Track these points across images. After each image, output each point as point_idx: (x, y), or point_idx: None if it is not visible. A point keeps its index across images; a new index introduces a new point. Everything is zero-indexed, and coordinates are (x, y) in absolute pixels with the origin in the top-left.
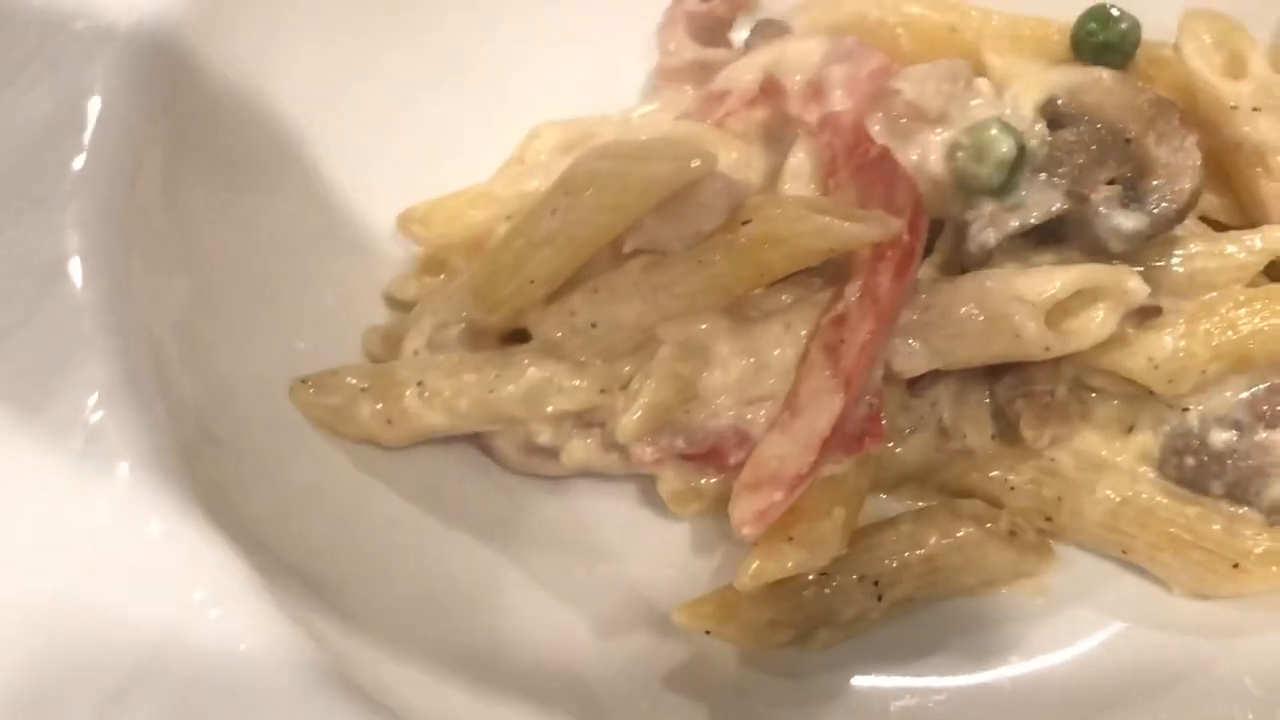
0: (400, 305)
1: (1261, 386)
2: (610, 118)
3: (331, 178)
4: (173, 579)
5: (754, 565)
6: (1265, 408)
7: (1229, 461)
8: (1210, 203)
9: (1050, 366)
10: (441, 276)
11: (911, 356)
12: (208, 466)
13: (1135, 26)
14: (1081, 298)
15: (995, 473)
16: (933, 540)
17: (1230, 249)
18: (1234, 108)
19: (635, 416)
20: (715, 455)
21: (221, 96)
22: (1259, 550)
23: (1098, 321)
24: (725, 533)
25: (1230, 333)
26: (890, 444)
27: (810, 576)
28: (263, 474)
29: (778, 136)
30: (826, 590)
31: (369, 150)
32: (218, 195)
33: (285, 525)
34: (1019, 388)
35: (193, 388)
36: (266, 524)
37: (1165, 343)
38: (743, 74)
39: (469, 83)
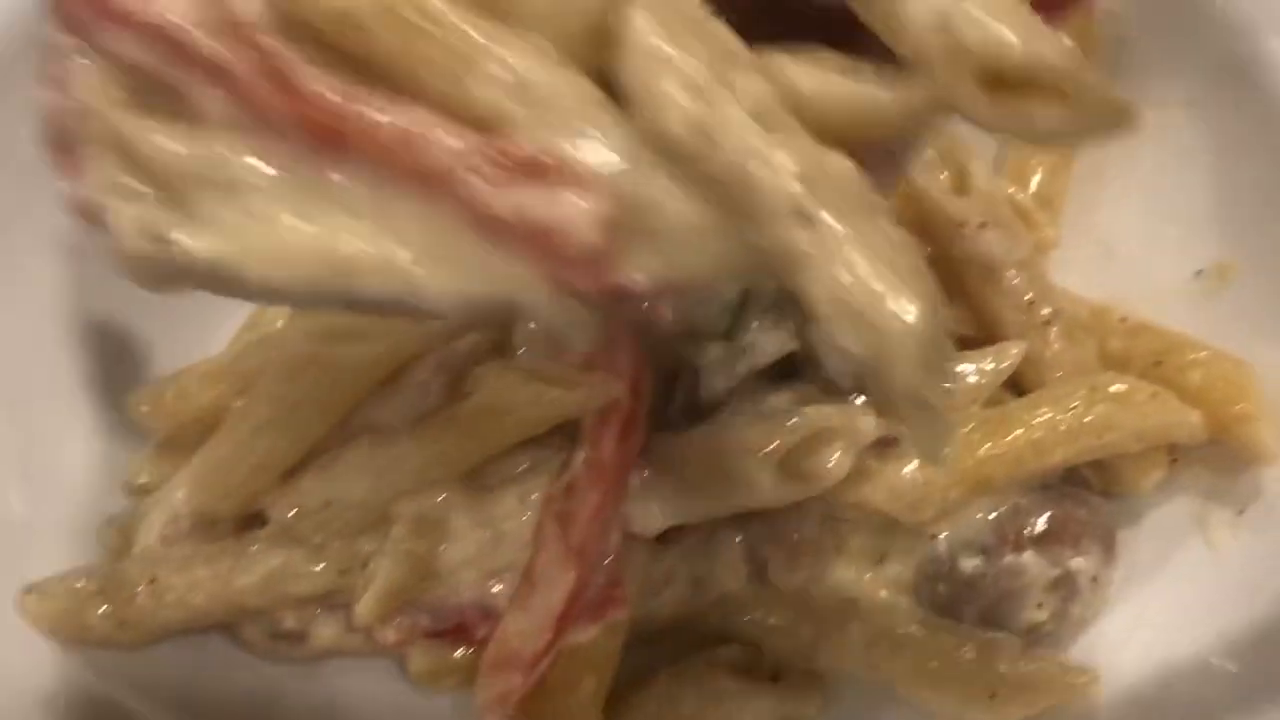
0: (140, 491)
1: (1005, 509)
2: None
3: (57, 360)
4: None
5: None
6: (1009, 530)
7: (979, 587)
8: (949, 315)
9: (795, 507)
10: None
11: (649, 517)
12: None
13: None
14: (817, 438)
15: (753, 616)
16: (690, 698)
17: (964, 369)
18: (961, 225)
19: (371, 600)
20: (461, 631)
21: None
22: (1013, 677)
23: (833, 463)
24: None
25: (966, 457)
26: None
27: None
28: None
29: None
30: None
31: (100, 327)
32: None
33: None
34: (766, 531)
35: None
36: None
37: (905, 472)
38: None
39: None
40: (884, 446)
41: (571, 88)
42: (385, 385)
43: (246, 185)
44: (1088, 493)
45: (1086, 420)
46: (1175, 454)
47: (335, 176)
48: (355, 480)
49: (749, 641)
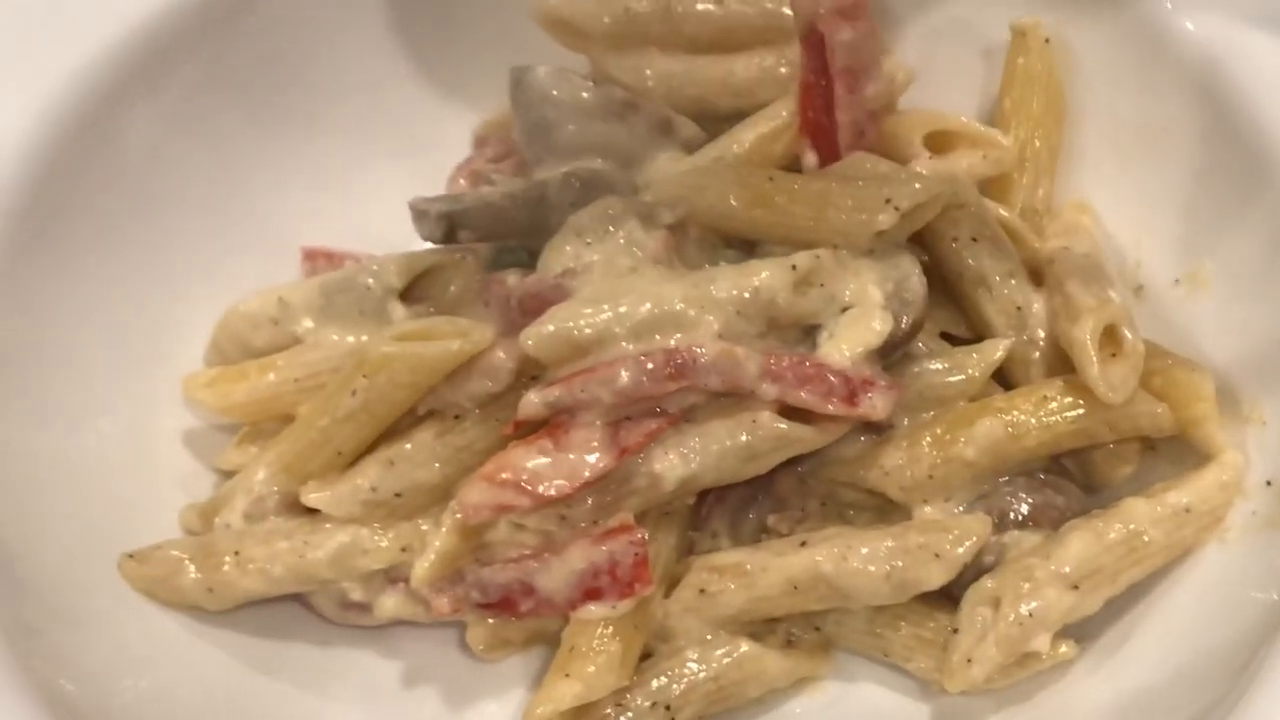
0: (228, 475)
1: (989, 492)
2: None
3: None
4: None
5: (537, 708)
6: (993, 511)
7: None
8: (941, 317)
9: (797, 484)
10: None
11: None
12: (39, 647)
13: None
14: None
15: None
16: (715, 659)
17: (954, 367)
18: (954, 240)
19: (426, 565)
20: (506, 605)
21: None
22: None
23: None
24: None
25: (950, 441)
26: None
27: (608, 710)
28: (95, 648)
29: None
30: (622, 718)
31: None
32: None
33: (117, 699)
34: (774, 508)
35: (22, 572)
36: (99, 698)
37: (895, 454)
38: None
39: (266, 242)
40: (879, 430)
41: None
42: (456, 372)
43: None
44: (1068, 482)
45: (1059, 408)
46: (1149, 445)
47: None
48: (425, 466)
49: None
